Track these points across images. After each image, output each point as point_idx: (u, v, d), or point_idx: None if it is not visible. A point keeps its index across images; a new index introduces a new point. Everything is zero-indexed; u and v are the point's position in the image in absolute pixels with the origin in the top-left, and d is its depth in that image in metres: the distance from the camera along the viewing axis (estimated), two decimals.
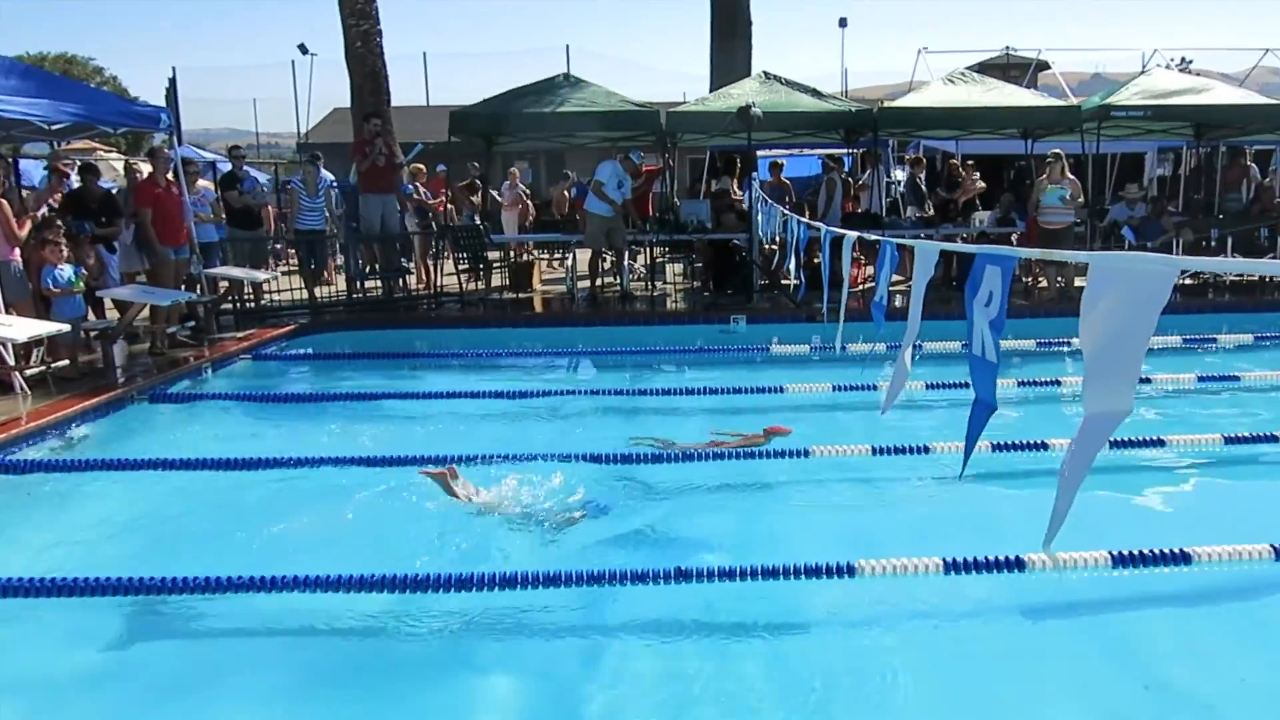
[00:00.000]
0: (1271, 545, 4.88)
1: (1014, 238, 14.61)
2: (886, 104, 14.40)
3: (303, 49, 29.79)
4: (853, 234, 6.08)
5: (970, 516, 6.13)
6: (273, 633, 4.58)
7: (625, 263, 13.94)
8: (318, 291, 13.08)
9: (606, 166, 12.90)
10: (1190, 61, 39.32)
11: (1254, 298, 13.37)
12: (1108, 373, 2.13)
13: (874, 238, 5.38)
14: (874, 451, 6.72)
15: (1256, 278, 14.44)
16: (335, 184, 14.13)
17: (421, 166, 15.72)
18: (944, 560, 4.78)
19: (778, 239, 12.29)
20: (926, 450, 6.64)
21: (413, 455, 6.59)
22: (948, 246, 3.98)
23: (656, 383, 9.69)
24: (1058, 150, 13.33)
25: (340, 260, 14.91)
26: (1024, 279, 14.53)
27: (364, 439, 7.62)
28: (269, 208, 15.21)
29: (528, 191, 18.49)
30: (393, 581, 4.67)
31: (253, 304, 12.76)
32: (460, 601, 4.68)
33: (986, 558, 4.77)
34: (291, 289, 13.04)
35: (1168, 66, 26.08)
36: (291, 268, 14.55)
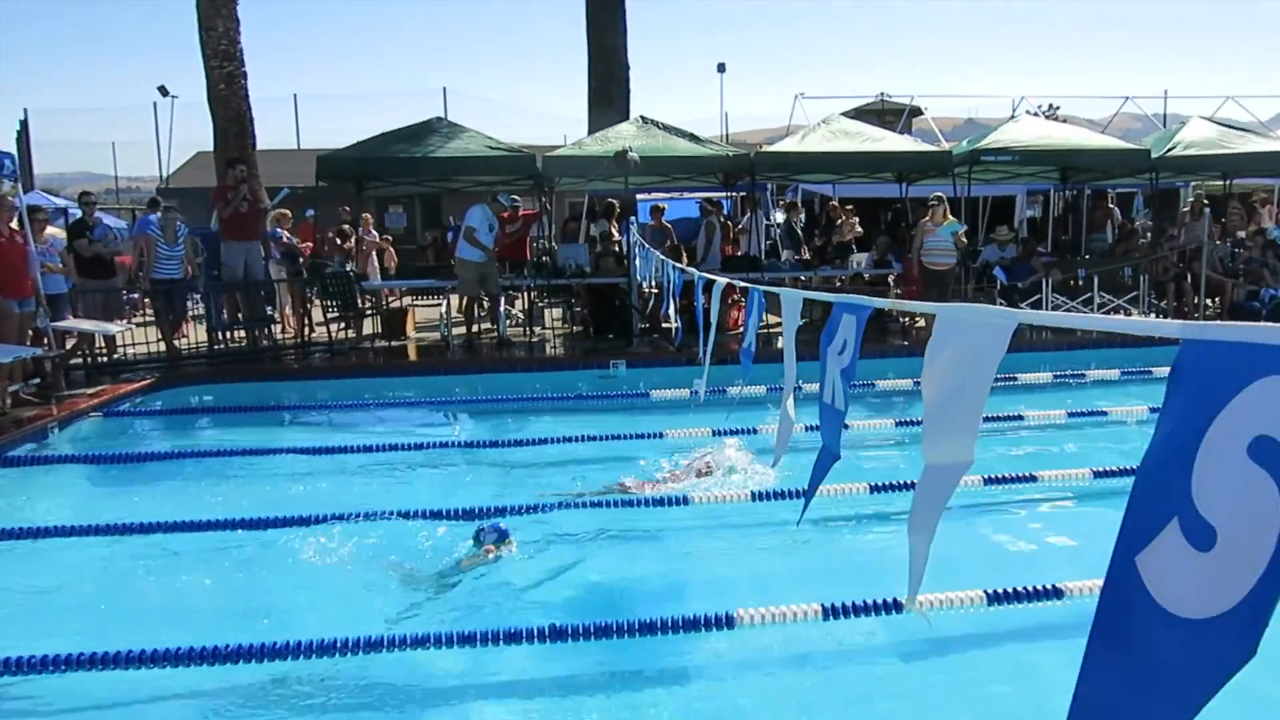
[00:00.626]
0: None
1: (891, 279, 15.05)
2: (764, 148, 14.72)
3: (163, 91, 29.18)
4: (722, 280, 6.14)
5: (848, 560, 6.23)
6: (126, 714, 4.36)
7: (500, 309, 13.88)
8: (177, 343, 12.67)
9: (476, 211, 12.88)
10: (1057, 108, 41.38)
11: (1120, 334, 13.94)
12: (947, 423, 2.17)
13: (742, 284, 5.44)
14: (753, 497, 6.77)
15: (1120, 315, 15.12)
16: (192, 230, 13.76)
17: (287, 212, 15.41)
18: (823, 606, 4.82)
19: (654, 283, 12.41)
20: (802, 494, 6.71)
21: (281, 515, 6.40)
22: (812, 295, 4.05)
23: (535, 431, 9.62)
24: (940, 194, 13.80)
25: (200, 310, 14.50)
26: (902, 318, 14.95)
27: (228, 498, 7.36)
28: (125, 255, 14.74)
29: (388, 237, 18.37)
30: (259, 651, 4.48)
31: (105, 358, 12.29)
32: (327, 667, 4.53)
33: (865, 601, 4.83)
34: (148, 341, 12.60)
35: (1036, 112, 27.34)
36: (148, 319, 14.08)
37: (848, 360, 2.98)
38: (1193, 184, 20.32)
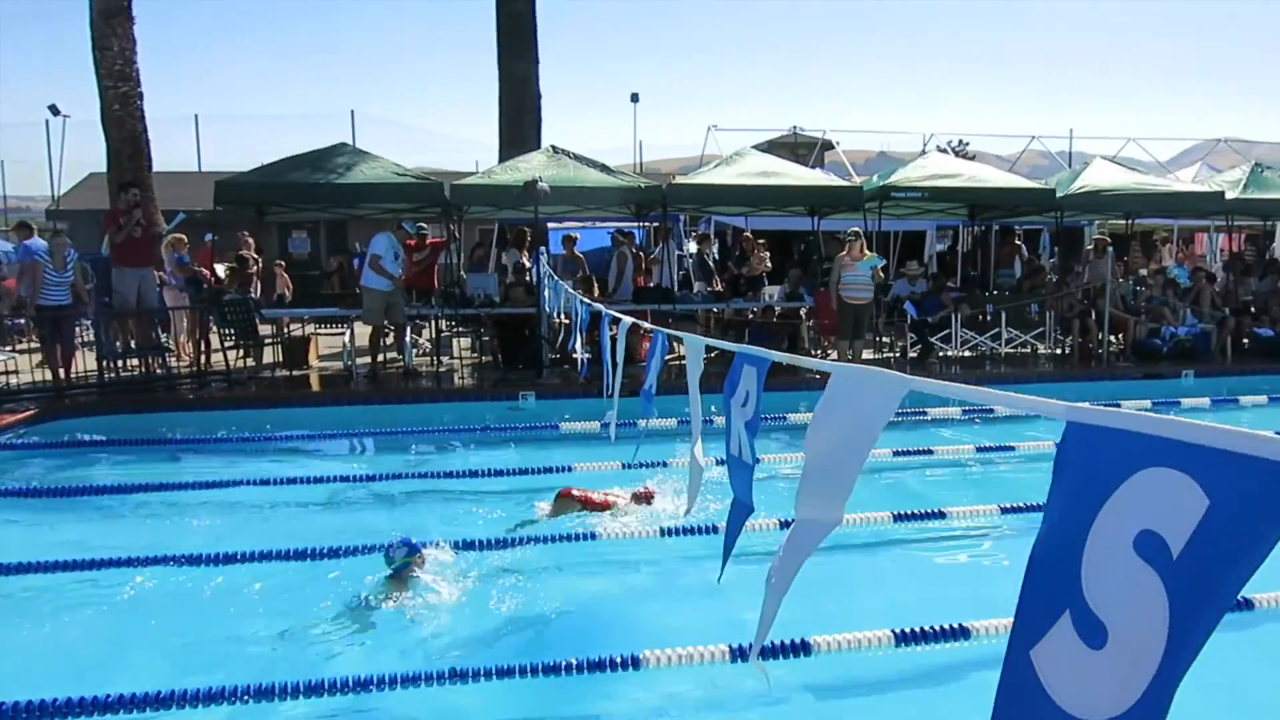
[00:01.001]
0: None
1: (803, 312, 15.22)
2: (677, 180, 14.79)
3: (54, 110, 28.46)
4: (628, 319, 6.08)
5: (756, 599, 6.21)
6: None
7: (406, 338, 13.70)
8: (65, 372, 12.24)
9: (381, 239, 12.73)
10: (967, 143, 42.50)
11: (1027, 369, 14.36)
12: (826, 481, 2.16)
13: (647, 326, 5.41)
14: (663, 533, 6.73)
15: (1028, 349, 15.53)
16: (82, 256, 13.35)
17: (183, 236, 15.02)
18: (730, 646, 4.79)
19: (564, 314, 12.38)
20: (715, 530, 6.70)
21: (178, 554, 6.20)
22: (714, 342, 4.05)
23: (442, 464, 9.49)
24: (857, 229, 14.00)
25: (90, 337, 14.05)
26: (814, 352, 15.15)
27: (118, 536, 7.10)
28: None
29: (280, 263, 18.03)
30: (147, 700, 4.30)
31: None
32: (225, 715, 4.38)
33: (772, 642, 4.81)
34: (32, 369, 12.16)
35: (946, 148, 28.01)
36: (33, 346, 13.60)
37: (751, 413, 2.96)
38: (1096, 223, 20.99)
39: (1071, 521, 1.31)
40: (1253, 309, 16.78)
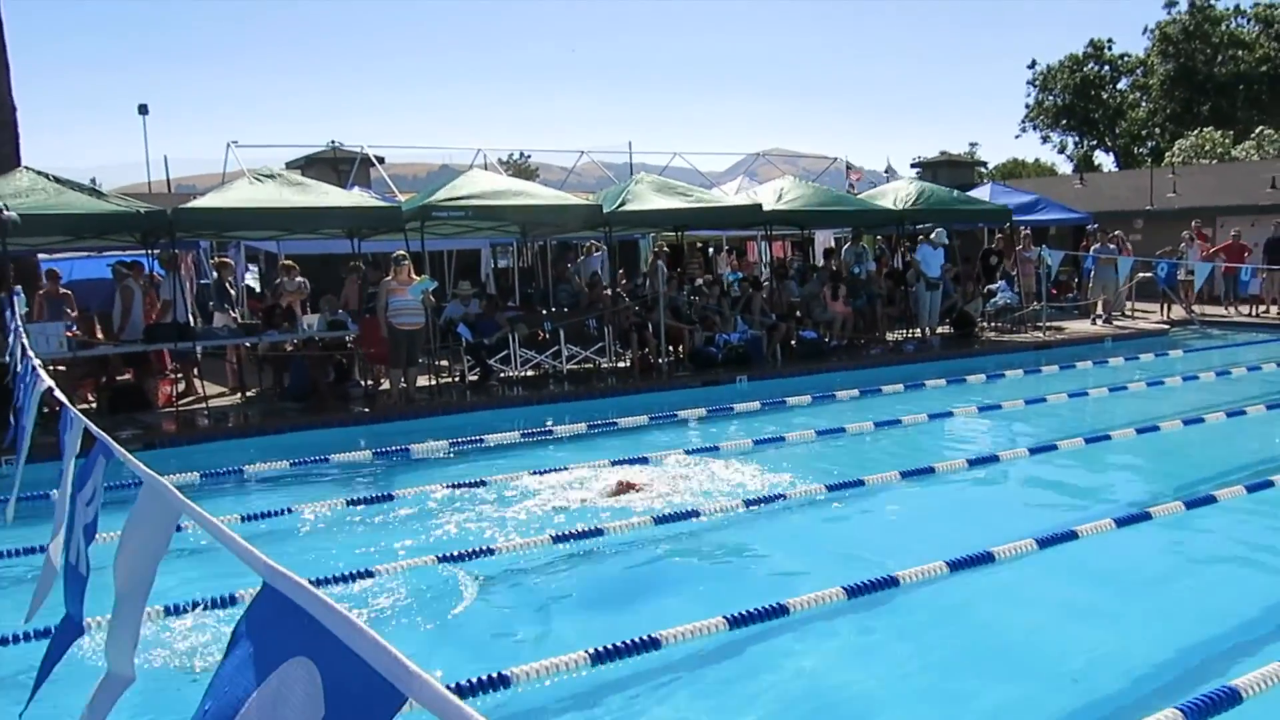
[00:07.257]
0: (724, 616, 5.48)
1: (349, 340, 14.82)
2: (184, 205, 13.86)
3: None
4: (46, 380, 5.35)
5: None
6: None
7: None
8: None
9: None
10: (529, 156, 43.99)
11: (590, 386, 14.90)
12: (123, 619, 1.96)
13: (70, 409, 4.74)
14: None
15: (591, 365, 16.07)
16: None
17: None
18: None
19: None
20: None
21: None
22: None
23: None
24: (402, 251, 13.78)
25: None
26: (365, 382, 14.89)
27: None
28: None
29: None
30: None
31: None
32: None
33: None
34: None
35: (506, 161, 28.72)
36: None
37: (93, 514, 2.62)
38: (651, 235, 22.23)
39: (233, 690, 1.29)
40: (798, 313, 18.43)
